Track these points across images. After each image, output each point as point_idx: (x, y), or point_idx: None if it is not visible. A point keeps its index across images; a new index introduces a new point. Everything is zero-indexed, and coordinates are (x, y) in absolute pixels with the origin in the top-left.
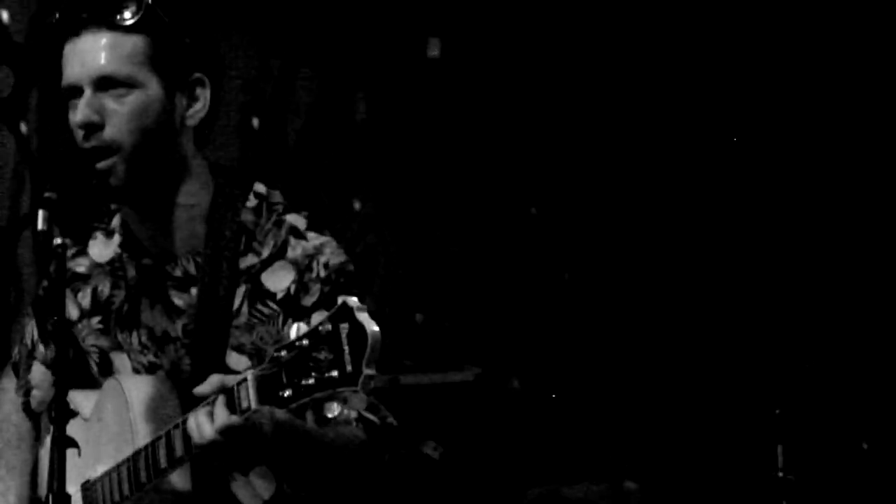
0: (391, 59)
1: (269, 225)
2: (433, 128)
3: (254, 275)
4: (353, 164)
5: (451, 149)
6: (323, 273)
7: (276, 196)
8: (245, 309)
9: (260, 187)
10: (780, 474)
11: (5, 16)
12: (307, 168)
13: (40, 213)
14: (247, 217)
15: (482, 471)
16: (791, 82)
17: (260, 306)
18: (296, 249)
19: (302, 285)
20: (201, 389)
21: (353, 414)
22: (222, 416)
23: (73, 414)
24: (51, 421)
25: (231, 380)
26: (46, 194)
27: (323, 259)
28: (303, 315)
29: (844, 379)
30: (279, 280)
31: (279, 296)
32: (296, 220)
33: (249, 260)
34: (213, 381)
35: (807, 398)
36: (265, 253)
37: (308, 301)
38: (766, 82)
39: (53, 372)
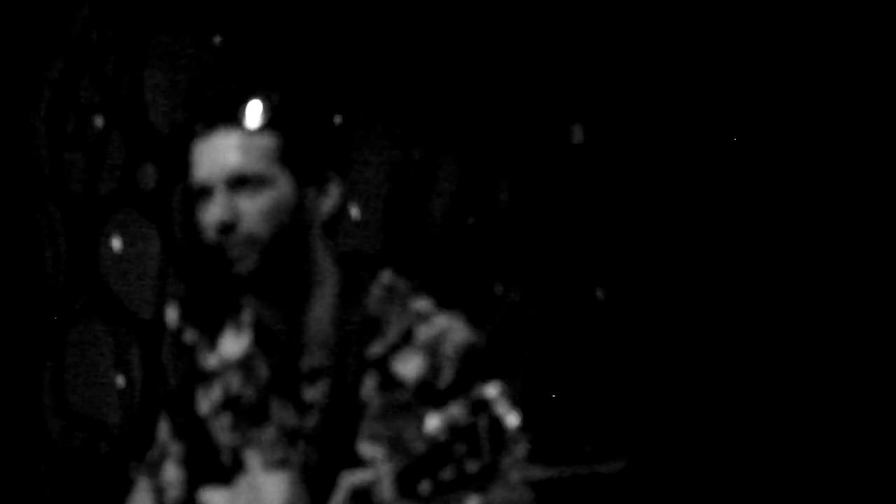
0: (534, 145)
1: (394, 312)
2: (577, 213)
3: (382, 363)
4: (497, 250)
5: (594, 235)
6: (453, 354)
7: (402, 283)
8: (377, 399)
9: (386, 275)
10: None
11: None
12: (450, 256)
13: (170, 310)
14: (373, 305)
15: None
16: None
17: (392, 396)
18: (423, 334)
19: (433, 370)
20: (336, 500)
21: (516, 477)
22: None
23: None
24: None
25: (363, 477)
26: (178, 291)
27: (452, 338)
28: (439, 400)
29: None
30: (409, 367)
31: (411, 383)
32: (421, 304)
33: (376, 349)
34: (344, 485)
35: None
36: (391, 340)
37: (442, 384)
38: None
39: (186, 469)
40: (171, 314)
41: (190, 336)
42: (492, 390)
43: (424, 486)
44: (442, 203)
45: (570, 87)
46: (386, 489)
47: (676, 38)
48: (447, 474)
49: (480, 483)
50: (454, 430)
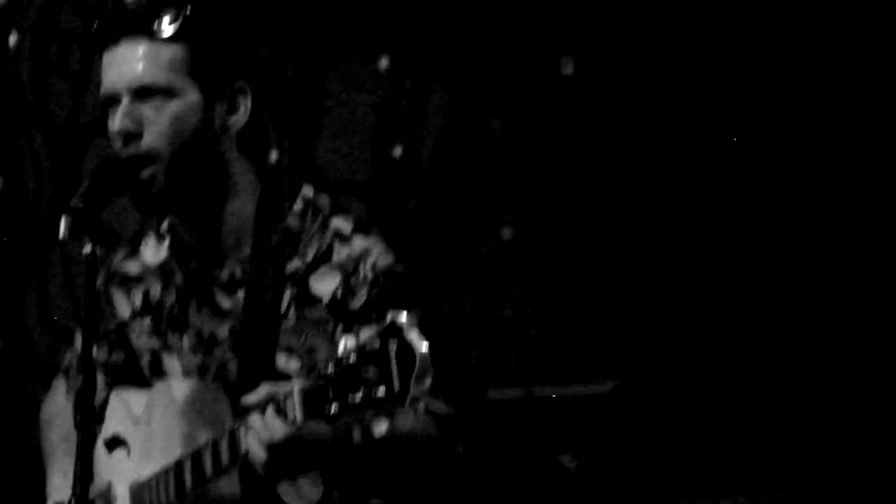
0: (525, 78)
1: (314, 229)
2: (569, 146)
3: (300, 279)
4: (488, 183)
5: (587, 166)
6: (370, 275)
7: (323, 199)
8: (293, 312)
9: (308, 190)
10: None
11: None
12: (441, 189)
13: (63, 221)
14: (292, 222)
15: (619, 484)
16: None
17: (308, 311)
18: (341, 253)
19: (348, 289)
20: (250, 399)
21: (421, 407)
22: (275, 426)
23: (100, 419)
24: (77, 427)
25: (280, 390)
26: (72, 202)
27: (370, 261)
28: (352, 319)
29: None
30: (325, 284)
31: (326, 300)
32: (341, 223)
33: (295, 264)
34: (263, 390)
35: None
36: (310, 256)
37: (356, 304)
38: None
39: (105, 373)
40: (64, 226)
41: (88, 249)
42: (404, 317)
43: (332, 408)
44: (432, 135)
45: (560, 19)
46: (294, 408)
47: None
48: (356, 398)
49: (388, 408)
50: (365, 354)
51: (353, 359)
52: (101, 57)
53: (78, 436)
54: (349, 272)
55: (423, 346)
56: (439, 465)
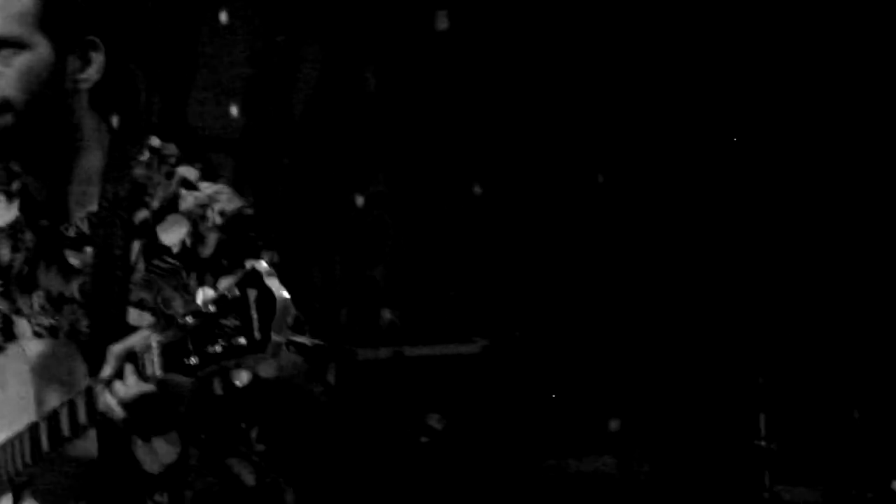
0: (399, 32)
1: (159, 177)
2: (442, 101)
3: (147, 229)
4: (361, 138)
5: (459, 122)
6: (219, 220)
7: (170, 149)
8: (141, 265)
9: (154, 141)
10: (762, 443)
11: None
12: (313, 143)
13: None
14: (139, 171)
15: (487, 444)
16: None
17: (157, 262)
18: (187, 200)
19: (197, 236)
20: (105, 373)
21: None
22: (132, 382)
23: None
24: None
25: (136, 345)
26: None
27: (218, 207)
28: (203, 267)
29: (832, 345)
30: (173, 233)
31: (175, 249)
32: (187, 171)
33: (142, 214)
34: (114, 354)
35: (791, 365)
36: (156, 205)
37: (206, 251)
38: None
39: None
40: None
41: None
42: (262, 264)
43: (192, 360)
44: (305, 89)
45: None
46: (153, 362)
47: None
48: (216, 348)
49: (249, 358)
50: (224, 304)
51: (211, 309)
52: None
53: None
54: (197, 219)
55: (283, 293)
56: (311, 400)
